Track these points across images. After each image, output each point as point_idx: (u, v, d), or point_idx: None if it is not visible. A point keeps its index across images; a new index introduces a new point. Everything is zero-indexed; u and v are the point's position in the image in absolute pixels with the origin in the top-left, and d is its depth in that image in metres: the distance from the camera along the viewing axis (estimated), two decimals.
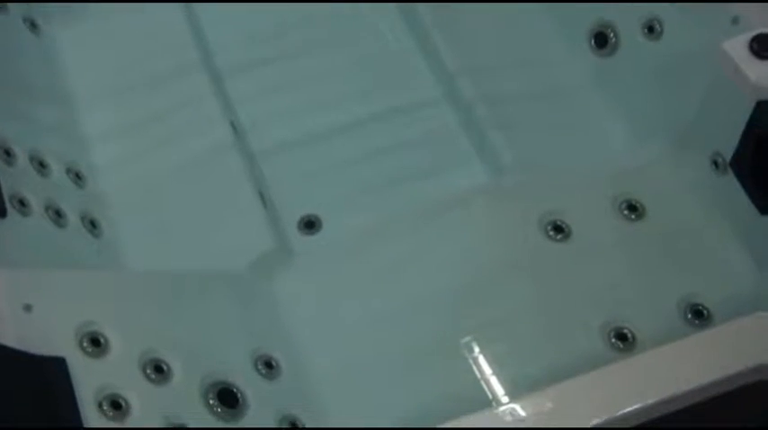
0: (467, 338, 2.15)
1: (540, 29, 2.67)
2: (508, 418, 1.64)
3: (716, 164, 2.16)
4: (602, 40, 2.52)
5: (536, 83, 2.58)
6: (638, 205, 2.29)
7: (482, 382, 2.10)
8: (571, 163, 2.42)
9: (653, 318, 2.13)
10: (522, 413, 1.63)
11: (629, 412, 1.63)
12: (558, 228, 2.27)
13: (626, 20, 2.45)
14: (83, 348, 1.81)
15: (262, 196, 2.36)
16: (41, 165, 2.23)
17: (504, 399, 2.06)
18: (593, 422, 1.61)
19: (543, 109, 2.53)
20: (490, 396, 2.08)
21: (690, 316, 2.13)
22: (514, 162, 2.40)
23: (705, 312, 2.13)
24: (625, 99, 2.47)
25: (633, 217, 2.28)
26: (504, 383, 2.09)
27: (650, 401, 1.64)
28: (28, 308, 1.80)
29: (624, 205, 2.29)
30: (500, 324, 2.16)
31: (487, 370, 2.11)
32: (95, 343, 1.83)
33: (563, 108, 2.55)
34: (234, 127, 2.47)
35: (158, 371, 1.87)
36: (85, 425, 1.69)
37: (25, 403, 1.65)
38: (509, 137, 2.44)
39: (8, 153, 2.14)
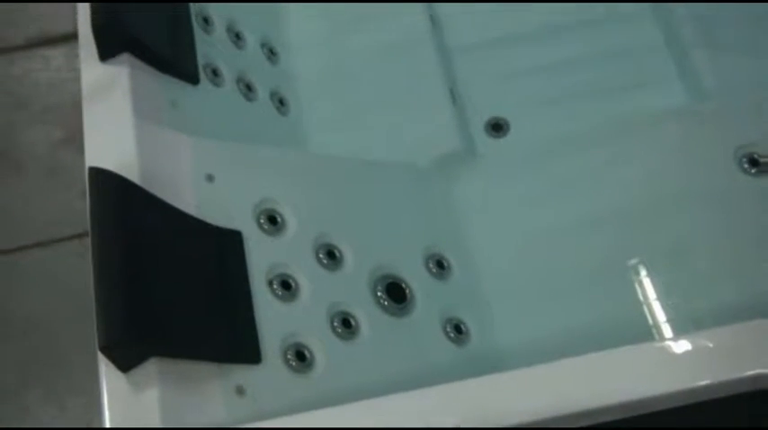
0: (635, 260, 2.08)
1: None
2: (670, 352, 1.57)
3: None
4: None
5: (749, 5, 2.44)
6: None
7: (644, 307, 2.04)
8: None
9: None
10: (681, 350, 1.55)
11: None
12: (754, 162, 2.15)
13: None
14: (259, 224, 1.83)
15: (452, 93, 2.32)
16: (237, 37, 2.23)
17: (666, 329, 2.01)
18: (753, 372, 1.53)
19: (754, 34, 2.40)
20: (651, 322, 2.02)
21: None
22: (716, 87, 2.29)
23: None
24: None
25: None
26: (667, 313, 2.02)
27: None
28: (210, 178, 1.82)
29: None
30: (675, 252, 2.09)
31: (652, 295, 2.05)
32: (272, 220, 1.85)
33: None
34: (432, 19, 2.42)
35: (330, 256, 1.88)
36: (254, 301, 1.71)
37: (199, 271, 1.68)
38: (714, 60, 2.32)
39: (206, 21, 2.15)
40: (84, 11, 1.89)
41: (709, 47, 2.34)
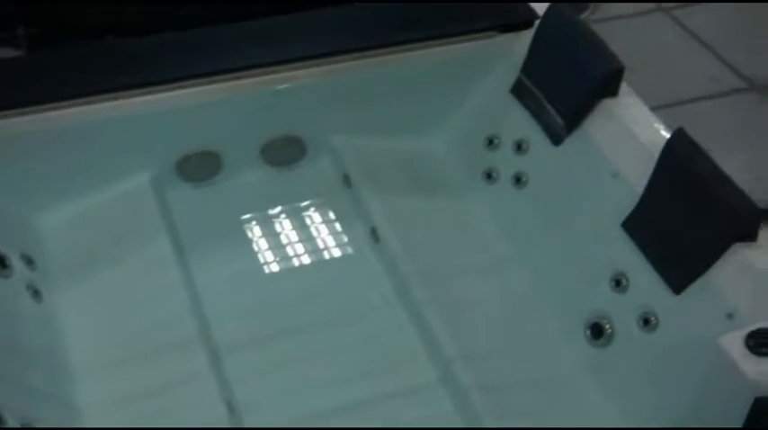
0: None
1: (538, 316, 2.72)
2: None
3: None
4: (597, 331, 2.56)
5: (532, 371, 2.60)
6: None
7: None
8: None
9: None
10: None
11: None
12: None
13: (622, 312, 2.50)
14: None
15: None
16: None
17: None
18: None
19: (539, 398, 2.54)
20: None
21: None
22: None
23: None
24: (620, 390, 2.47)
25: None
26: None
27: None
28: None
29: None
30: None
31: None
32: None
33: (558, 397, 2.55)
34: (229, 406, 2.43)
35: None
36: None
37: None
38: (504, 425, 2.40)
39: (0, 420, 2.11)
40: None
41: (497, 414, 2.42)
